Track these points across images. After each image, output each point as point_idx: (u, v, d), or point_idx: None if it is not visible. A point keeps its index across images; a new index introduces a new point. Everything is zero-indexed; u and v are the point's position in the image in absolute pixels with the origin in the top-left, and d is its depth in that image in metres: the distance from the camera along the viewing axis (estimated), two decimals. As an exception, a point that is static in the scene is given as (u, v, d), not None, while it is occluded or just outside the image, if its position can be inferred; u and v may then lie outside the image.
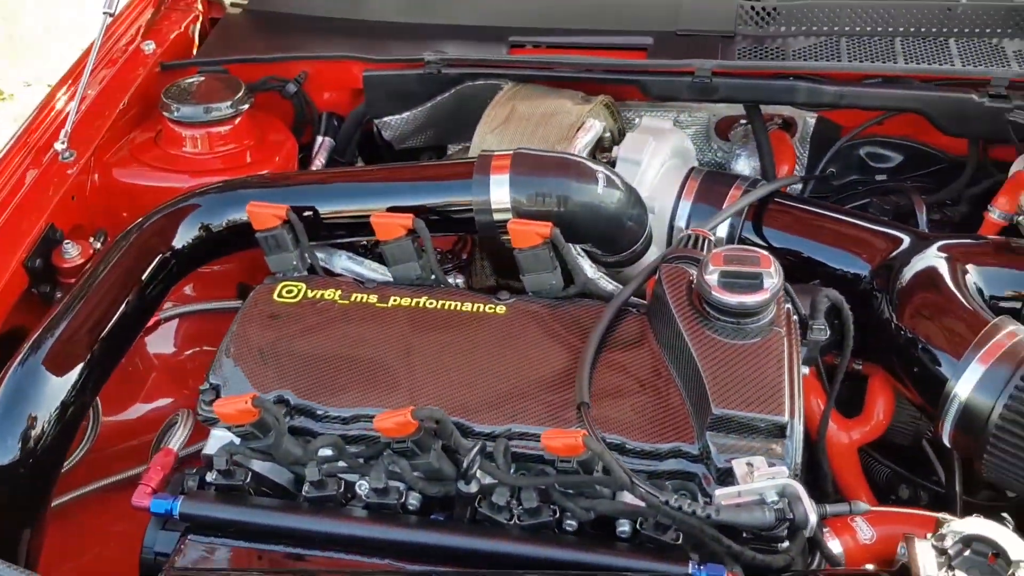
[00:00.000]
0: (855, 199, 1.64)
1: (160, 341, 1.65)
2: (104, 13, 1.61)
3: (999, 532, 0.93)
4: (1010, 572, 0.90)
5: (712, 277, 1.14)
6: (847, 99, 1.52)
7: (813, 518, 0.97)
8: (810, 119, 1.71)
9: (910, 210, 1.51)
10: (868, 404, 1.32)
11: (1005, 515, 1.22)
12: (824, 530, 1.20)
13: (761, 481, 0.99)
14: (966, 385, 1.10)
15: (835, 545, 1.18)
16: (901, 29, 1.60)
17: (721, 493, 1.00)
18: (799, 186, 1.71)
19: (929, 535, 0.95)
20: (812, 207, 1.45)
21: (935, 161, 1.68)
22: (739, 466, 1.04)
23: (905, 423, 1.38)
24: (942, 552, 0.93)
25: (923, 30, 1.60)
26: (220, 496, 1.13)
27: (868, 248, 1.35)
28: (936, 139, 1.64)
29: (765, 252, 1.16)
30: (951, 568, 0.91)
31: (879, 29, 1.60)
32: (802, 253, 1.41)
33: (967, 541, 0.93)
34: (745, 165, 1.69)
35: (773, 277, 1.13)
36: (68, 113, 1.55)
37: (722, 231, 1.45)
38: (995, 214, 1.40)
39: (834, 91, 1.52)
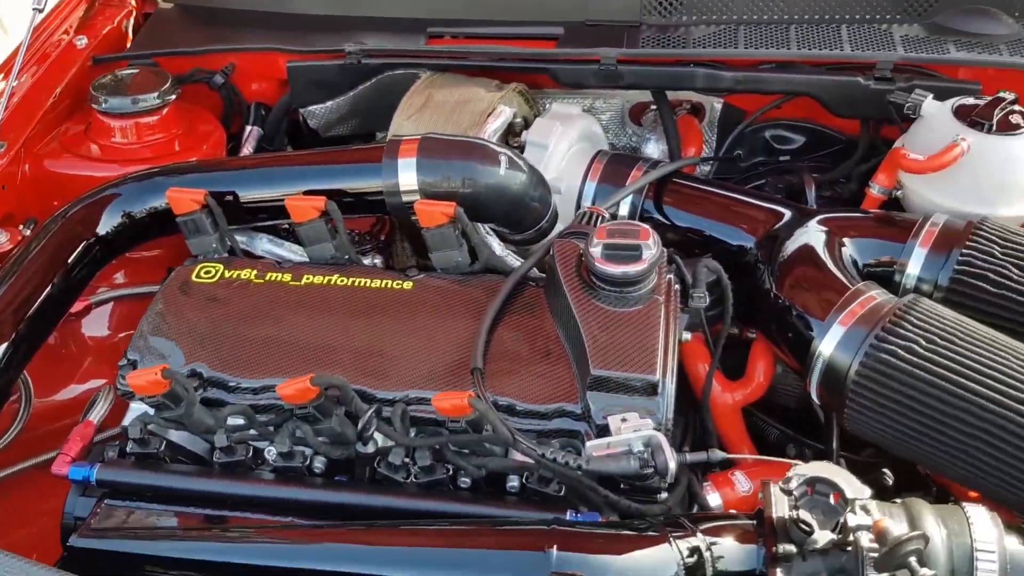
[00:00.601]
0: (756, 179, 1.73)
1: (94, 325, 1.71)
2: (33, 9, 1.67)
3: (839, 474, 1.02)
4: (848, 509, 0.98)
5: (596, 250, 1.22)
6: (742, 84, 1.61)
7: (672, 465, 1.06)
8: (716, 104, 1.80)
9: (802, 188, 1.60)
10: (749, 368, 1.40)
11: (886, 471, 1.33)
12: (706, 484, 1.29)
13: (627, 433, 1.08)
14: (829, 344, 1.19)
15: (715, 498, 1.27)
16: (796, 17, 1.69)
17: (591, 445, 1.08)
18: (707, 168, 1.80)
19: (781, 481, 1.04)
20: (706, 186, 1.54)
21: (834, 142, 1.77)
22: (614, 421, 1.12)
23: (792, 386, 1.48)
24: (789, 494, 1.01)
25: (817, 17, 1.69)
26: (135, 463, 1.20)
27: (753, 222, 1.44)
28: (834, 121, 1.72)
29: (646, 226, 1.24)
30: (797, 508, 1.00)
31: (775, 17, 1.69)
32: (696, 228, 1.50)
33: (811, 483, 1.01)
34: (654, 148, 1.78)
35: (651, 248, 1.22)
36: (-1, 106, 1.61)
37: (625, 210, 1.54)
38: (875, 189, 1.49)
39: (731, 76, 1.61)
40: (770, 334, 1.36)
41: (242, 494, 1.17)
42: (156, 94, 1.67)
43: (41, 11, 1.67)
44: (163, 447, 1.21)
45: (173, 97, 1.69)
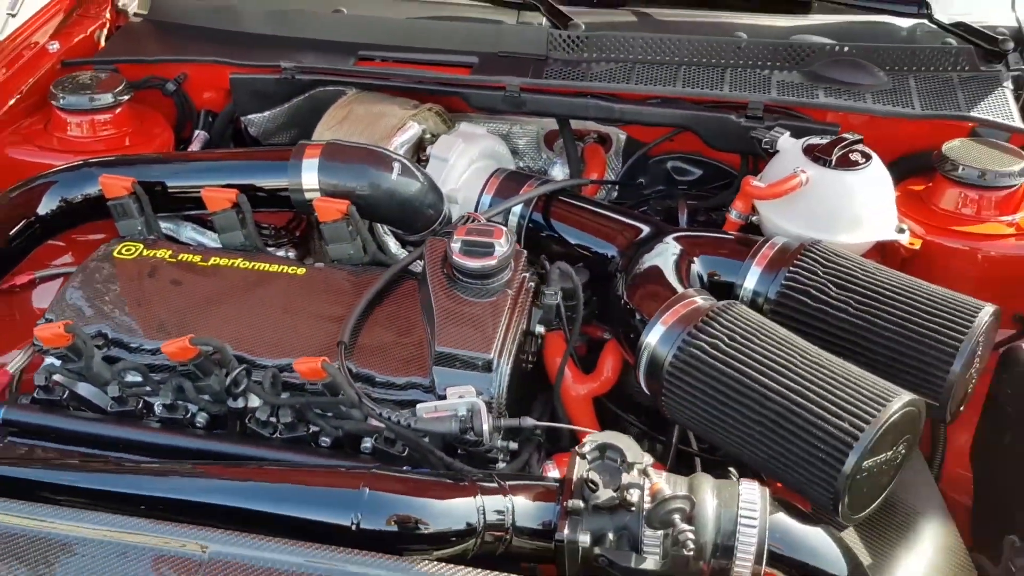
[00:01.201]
0: (644, 204, 1.90)
1: (40, 298, 1.89)
2: (8, 14, 1.88)
3: (625, 442, 1.18)
4: (628, 471, 1.14)
5: (456, 245, 1.40)
6: (630, 115, 1.79)
7: (486, 428, 1.22)
8: (621, 136, 1.97)
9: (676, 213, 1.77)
10: (599, 363, 1.57)
11: (731, 468, 1.47)
12: (548, 463, 1.44)
13: (453, 399, 1.24)
14: (652, 339, 1.36)
15: (555, 474, 1.43)
16: (685, 60, 1.87)
17: (420, 407, 1.25)
18: (611, 193, 1.98)
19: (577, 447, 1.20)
20: (585, 204, 1.71)
21: (725, 175, 1.94)
22: (451, 392, 1.29)
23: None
24: (584, 458, 1.17)
25: (704, 61, 1.87)
26: (39, 407, 1.38)
27: (618, 236, 1.61)
28: (727, 157, 1.90)
29: (501, 227, 1.41)
30: (588, 470, 1.15)
31: (667, 59, 1.87)
32: (573, 240, 1.67)
33: (602, 449, 1.17)
34: (559, 171, 1.95)
35: (503, 247, 1.39)
36: (-31, 97, 1.81)
37: (514, 221, 1.70)
38: (733, 215, 1.65)
39: (619, 108, 1.79)
40: (616, 333, 1.52)
41: (129, 439, 1.34)
42: (111, 94, 1.87)
43: (14, 15, 1.88)
44: (66, 395, 1.39)
45: (126, 98, 1.89)
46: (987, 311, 1.34)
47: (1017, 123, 1.72)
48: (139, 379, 1.38)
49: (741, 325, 1.31)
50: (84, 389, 1.42)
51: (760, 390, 1.24)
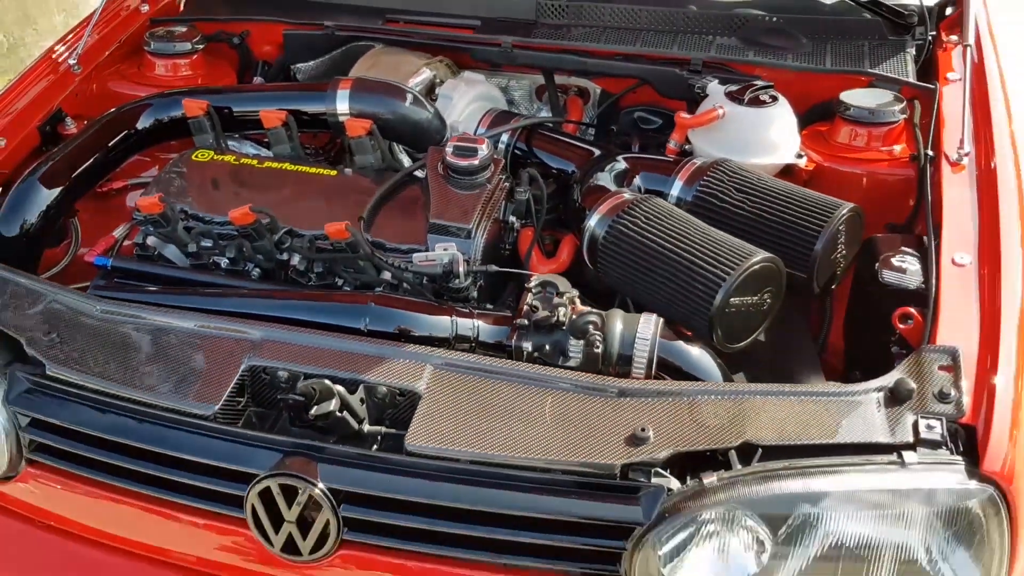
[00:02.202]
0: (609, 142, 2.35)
1: (133, 200, 2.38)
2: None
3: (560, 280, 1.63)
4: (563, 298, 1.59)
5: (449, 150, 1.86)
6: (598, 68, 2.25)
7: (462, 270, 1.69)
8: (597, 90, 2.42)
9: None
10: (559, 251, 2.01)
11: None
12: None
13: (439, 251, 1.71)
14: (592, 223, 1.81)
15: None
16: (646, 26, 2.32)
17: (416, 256, 1.72)
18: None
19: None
20: (557, 135, 2.17)
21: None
22: (438, 247, 1.75)
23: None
24: (530, 291, 1.63)
25: (660, 27, 2.32)
26: (138, 259, 1.87)
27: (579, 158, 2.07)
28: (678, 105, 2.34)
29: (484, 138, 1.88)
30: (532, 299, 1.61)
31: (631, 25, 2.33)
32: (545, 161, 2.13)
33: (543, 284, 1.63)
34: (546, 116, 2.41)
35: (484, 152, 1.85)
36: (81, 42, 2.32)
37: (502, 146, 2.16)
38: (671, 144, 2.10)
39: (591, 62, 2.25)
40: (572, 228, 1.98)
41: (201, 280, 1.82)
42: (189, 43, 2.37)
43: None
44: (156, 253, 1.87)
45: (201, 47, 2.39)
46: (846, 207, 1.77)
47: (909, 79, 2.15)
48: (210, 243, 1.86)
49: (654, 210, 1.77)
50: (169, 252, 1.90)
51: (664, 253, 1.69)
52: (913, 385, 1.39)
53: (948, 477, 1.32)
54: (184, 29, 2.43)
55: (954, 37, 2.26)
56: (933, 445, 1.34)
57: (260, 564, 1.48)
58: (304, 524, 1.40)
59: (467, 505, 1.37)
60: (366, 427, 1.48)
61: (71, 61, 2.28)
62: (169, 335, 1.56)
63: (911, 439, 1.34)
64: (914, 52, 2.26)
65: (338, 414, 1.40)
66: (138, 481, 1.49)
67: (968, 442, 1.35)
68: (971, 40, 2.19)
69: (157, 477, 1.48)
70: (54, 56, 2.31)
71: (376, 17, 2.42)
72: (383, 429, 1.49)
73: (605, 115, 2.42)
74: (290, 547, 1.42)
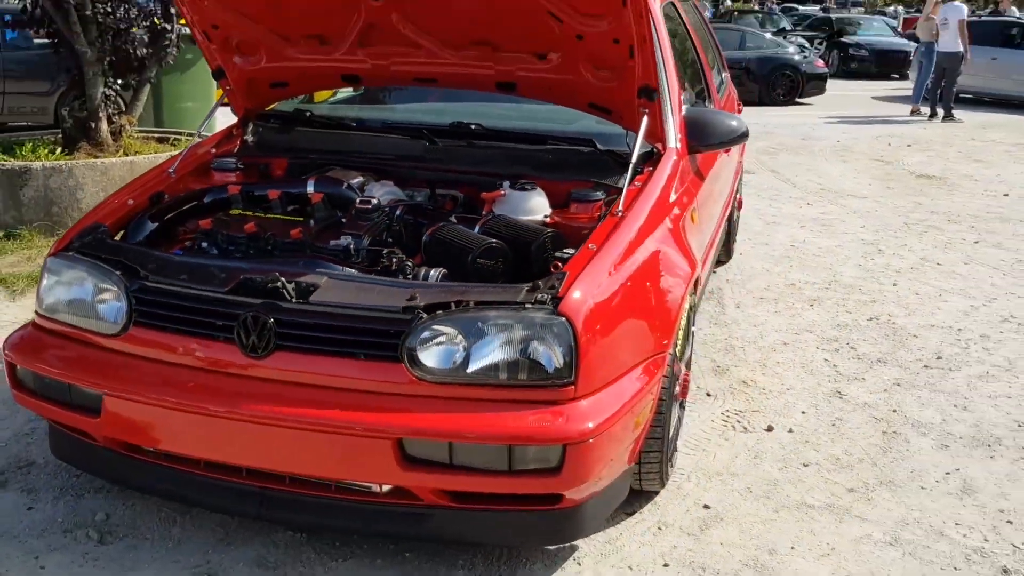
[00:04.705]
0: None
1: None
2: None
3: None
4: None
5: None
6: (459, 179, 4.10)
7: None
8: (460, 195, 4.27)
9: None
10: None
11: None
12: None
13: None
14: (426, 236, 3.60)
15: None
16: (481, 159, 4.20)
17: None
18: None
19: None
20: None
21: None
22: (344, 244, 3.54)
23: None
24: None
25: (487, 160, 4.19)
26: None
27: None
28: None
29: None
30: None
31: (481, 159, 4.21)
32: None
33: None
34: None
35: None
36: (175, 163, 4.25)
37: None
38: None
39: (453, 176, 4.11)
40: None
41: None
42: (233, 163, 4.29)
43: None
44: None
45: (241, 168, 4.31)
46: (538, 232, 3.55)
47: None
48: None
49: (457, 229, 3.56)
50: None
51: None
52: (540, 282, 3.10)
53: (541, 311, 3.01)
54: (233, 160, 4.35)
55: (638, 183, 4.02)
56: (540, 301, 3.03)
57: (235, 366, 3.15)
58: (261, 338, 3.09)
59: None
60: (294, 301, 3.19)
61: (170, 171, 4.20)
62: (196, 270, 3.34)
63: (527, 299, 3.04)
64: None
65: (282, 291, 3.13)
66: (183, 325, 3.21)
67: (555, 300, 3.04)
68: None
69: (194, 321, 3.19)
70: (165, 169, 4.24)
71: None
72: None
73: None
74: (252, 351, 3.10)
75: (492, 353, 3.01)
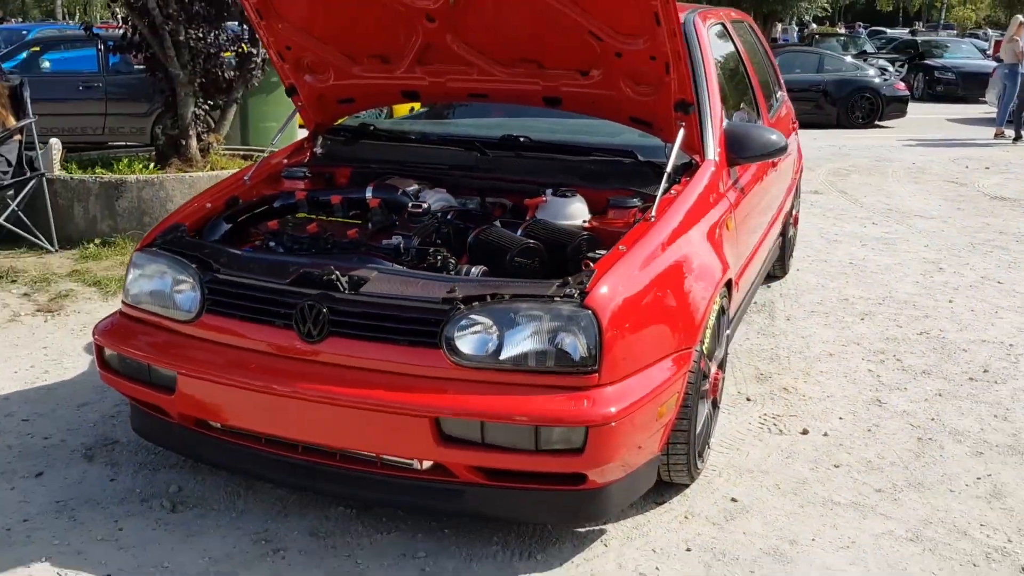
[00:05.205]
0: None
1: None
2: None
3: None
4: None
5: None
6: (509, 187, 4.40)
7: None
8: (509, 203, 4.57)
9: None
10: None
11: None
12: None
13: (393, 239, 3.82)
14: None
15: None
16: (527, 168, 4.49)
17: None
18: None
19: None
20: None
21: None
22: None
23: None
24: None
25: (532, 170, 4.47)
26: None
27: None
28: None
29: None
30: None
31: (529, 169, 4.50)
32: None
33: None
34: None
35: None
36: (249, 172, 4.66)
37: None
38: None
39: (504, 185, 4.41)
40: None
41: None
42: (302, 173, 4.68)
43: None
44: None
45: (309, 176, 4.69)
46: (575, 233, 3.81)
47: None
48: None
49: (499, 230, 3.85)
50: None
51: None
52: (570, 278, 3.36)
53: (568, 304, 3.26)
54: (301, 170, 4.73)
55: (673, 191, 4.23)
56: (568, 295, 3.29)
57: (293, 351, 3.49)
58: (316, 325, 3.42)
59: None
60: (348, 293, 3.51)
61: (245, 178, 4.60)
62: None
63: (556, 293, 3.30)
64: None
65: (336, 283, 3.46)
66: (249, 313, 3.57)
67: (582, 295, 3.29)
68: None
69: (258, 309, 3.54)
70: (240, 177, 4.64)
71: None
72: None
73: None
74: (308, 337, 3.43)
75: (523, 342, 3.27)
